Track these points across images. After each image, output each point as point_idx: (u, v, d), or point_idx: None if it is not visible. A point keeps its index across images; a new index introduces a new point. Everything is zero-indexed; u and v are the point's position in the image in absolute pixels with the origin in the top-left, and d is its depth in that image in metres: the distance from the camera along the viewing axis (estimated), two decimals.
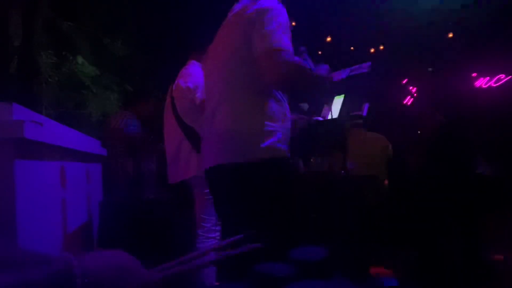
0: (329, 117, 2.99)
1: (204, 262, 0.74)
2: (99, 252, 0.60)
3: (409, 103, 7.96)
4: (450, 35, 6.26)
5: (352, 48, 6.70)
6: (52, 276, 0.49)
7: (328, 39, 6.63)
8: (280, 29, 1.37)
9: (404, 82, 8.07)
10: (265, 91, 1.45)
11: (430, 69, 5.98)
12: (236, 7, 1.54)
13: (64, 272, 0.50)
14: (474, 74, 6.31)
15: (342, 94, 3.02)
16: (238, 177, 1.43)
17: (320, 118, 2.99)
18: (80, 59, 4.17)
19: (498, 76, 6.15)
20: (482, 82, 6.33)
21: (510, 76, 6.01)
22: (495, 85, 6.16)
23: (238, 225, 1.44)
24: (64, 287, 0.49)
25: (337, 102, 3.00)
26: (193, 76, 2.34)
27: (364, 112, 3.20)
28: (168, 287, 0.66)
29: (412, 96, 7.92)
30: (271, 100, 1.46)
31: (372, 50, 6.82)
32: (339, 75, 3.11)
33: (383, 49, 6.80)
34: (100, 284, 0.52)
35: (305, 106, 3.01)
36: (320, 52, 6.74)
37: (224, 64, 1.50)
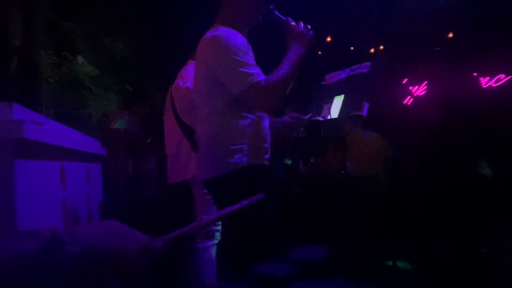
0: (329, 117, 2.99)
1: (202, 223, 0.75)
2: (91, 223, 0.60)
3: (409, 103, 7.95)
4: (450, 35, 6.26)
5: (352, 48, 6.70)
6: (41, 246, 0.49)
7: (328, 39, 6.63)
8: (241, 54, 1.45)
9: (404, 82, 8.06)
10: (232, 111, 1.54)
11: (437, 48, 5.96)
12: (206, 33, 1.61)
13: (52, 241, 0.50)
14: (474, 74, 6.31)
15: (342, 94, 3.02)
16: (213, 188, 1.61)
17: (320, 118, 2.99)
18: (80, 59, 4.17)
19: (498, 76, 6.15)
20: (482, 82, 6.33)
21: (510, 76, 6.01)
22: (495, 85, 6.16)
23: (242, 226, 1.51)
24: (54, 256, 0.49)
25: (337, 102, 3.00)
26: (192, 76, 2.33)
27: (364, 112, 3.20)
28: (169, 252, 0.65)
29: (412, 96, 7.91)
30: (239, 119, 1.55)
31: (372, 50, 6.82)
32: (339, 75, 3.11)
33: (383, 49, 6.80)
34: (92, 250, 0.52)
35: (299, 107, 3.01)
36: (320, 52, 6.74)
37: (202, 84, 1.62)
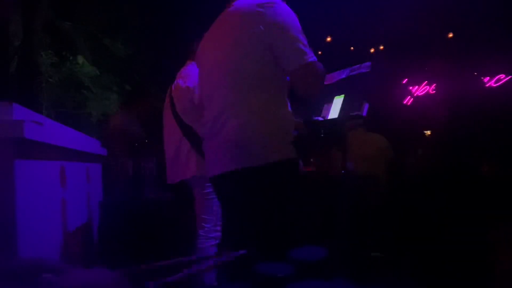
0: (329, 117, 2.98)
1: (191, 271, 0.73)
2: (81, 271, 0.59)
3: (409, 103, 7.96)
4: (450, 35, 6.26)
5: (352, 48, 6.70)
6: None
7: (328, 39, 6.63)
8: (300, 33, 1.36)
9: (404, 82, 8.07)
10: (277, 95, 1.42)
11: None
12: (236, 4, 1.47)
13: None
14: (474, 74, 6.31)
15: (342, 94, 3.02)
16: (250, 181, 1.40)
17: (320, 118, 2.99)
18: (80, 59, 4.17)
19: (498, 76, 6.15)
20: (483, 82, 6.32)
21: (510, 76, 6.01)
22: (495, 85, 6.16)
23: (248, 229, 1.42)
24: None
25: (337, 102, 2.99)
26: (192, 76, 2.33)
27: (364, 112, 3.20)
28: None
29: (412, 96, 7.92)
30: (282, 104, 1.43)
31: (372, 50, 6.82)
32: (339, 75, 3.11)
33: (383, 49, 6.80)
34: None
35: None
36: (320, 52, 6.74)
37: (229, 66, 1.43)
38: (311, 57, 1.35)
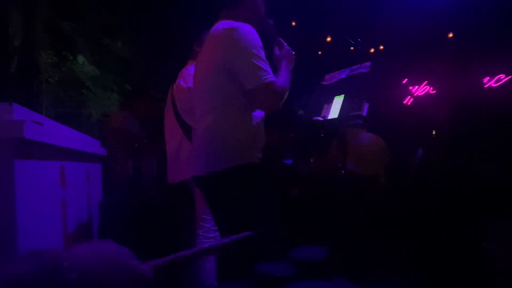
0: (329, 117, 2.98)
1: (195, 250, 0.76)
2: (88, 244, 0.60)
3: (409, 103, 7.96)
4: (450, 35, 6.26)
5: (352, 48, 6.70)
6: (39, 271, 0.50)
7: (328, 39, 6.63)
8: (257, 56, 1.46)
9: (404, 82, 8.07)
10: (246, 107, 1.55)
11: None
12: (215, 26, 1.61)
13: (51, 266, 0.51)
14: (474, 74, 6.31)
15: (342, 94, 3.02)
16: (213, 186, 1.58)
17: (320, 118, 2.99)
18: (80, 59, 4.17)
19: (498, 76, 6.14)
20: (483, 82, 6.32)
21: (510, 76, 6.01)
22: (495, 85, 6.16)
23: (223, 228, 1.61)
24: (52, 281, 0.50)
25: (337, 102, 2.99)
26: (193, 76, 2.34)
27: (364, 112, 3.20)
28: (161, 278, 0.66)
29: (412, 96, 7.92)
30: (250, 115, 1.57)
31: (372, 50, 6.82)
32: (339, 75, 3.11)
33: (383, 49, 6.80)
34: (88, 278, 0.53)
35: (301, 112, 3.01)
36: (320, 52, 6.75)
37: (207, 79, 1.60)
38: (267, 78, 1.46)
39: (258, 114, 1.61)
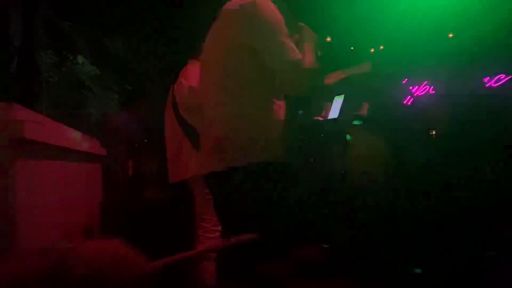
0: (329, 117, 2.98)
1: (200, 250, 0.76)
2: (95, 242, 0.61)
3: (409, 103, 7.95)
4: (450, 35, 6.26)
5: (352, 48, 6.69)
6: (47, 267, 0.50)
7: (328, 39, 6.62)
8: (284, 29, 1.33)
9: (404, 82, 8.06)
10: (267, 95, 1.41)
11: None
12: (226, 4, 1.45)
13: (59, 262, 0.51)
14: (474, 74, 6.31)
15: (342, 94, 3.02)
16: (234, 181, 1.40)
17: (320, 118, 2.99)
18: (80, 59, 4.17)
19: (498, 76, 6.14)
20: (484, 82, 6.32)
21: (510, 76, 6.01)
22: (495, 85, 6.16)
23: (237, 227, 1.42)
24: (59, 277, 0.51)
25: (337, 102, 2.99)
26: (195, 75, 2.33)
27: (364, 112, 3.20)
28: (166, 275, 0.67)
29: (412, 96, 7.91)
30: (271, 105, 1.43)
31: (372, 50, 6.82)
32: (339, 75, 3.11)
33: (383, 49, 6.80)
34: (95, 273, 0.54)
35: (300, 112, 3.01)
36: (320, 52, 6.73)
37: (221, 62, 1.42)
38: (297, 55, 1.32)
39: (281, 102, 1.49)
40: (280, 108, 1.49)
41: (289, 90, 1.46)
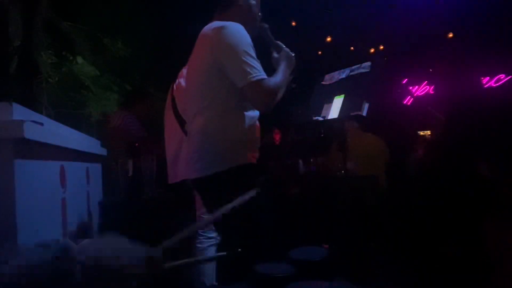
0: (329, 117, 2.98)
1: (199, 225, 0.77)
2: (95, 238, 0.62)
3: (409, 103, 7.96)
4: (450, 35, 6.26)
5: (352, 48, 6.69)
6: (51, 262, 0.51)
7: (328, 39, 6.62)
8: (246, 54, 1.46)
9: (404, 82, 8.07)
10: (237, 107, 1.55)
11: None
12: (206, 26, 1.61)
13: (63, 257, 0.52)
14: (473, 74, 6.32)
15: (342, 94, 3.02)
16: (205, 188, 1.60)
17: (320, 118, 2.99)
18: (80, 59, 4.17)
19: (498, 76, 6.14)
20: (483, 82, 6.33)
21: (510, 76, 6.01)
22: (495, 85, 6.16)
23: (220, 230, 1.63)
24: (63, 272, 0.51)
25: (337, 102, 2.99)
26: None
27: (364, 112, 3.21)
28: (168, 260, 0.67)
29: (412, 96, 7.92)
30: (243, 115, 1.56)
31: (372, 50, 6.82)
32: (339, 75, 3.11)
33: (383, 49, 6.80)
34: (99, 266, 0.54)
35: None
36: (320, 52, 6.74)
37: (197, 79, 1.60)
38: (256, 76, 1.45)
39: (252, 114, 1.61)
40: (251, 120, 1.60)
41: (253, 107, 1.58)
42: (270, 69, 1.61)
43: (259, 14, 1.75)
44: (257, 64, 1.48)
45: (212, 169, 1.51)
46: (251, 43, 1.51)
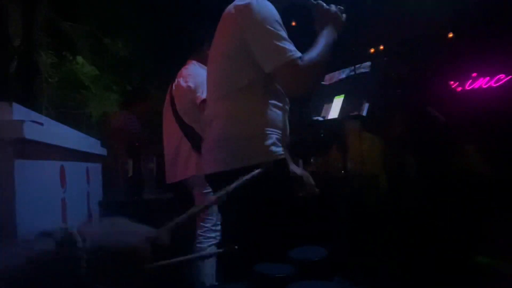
0: (329, 117, 2.98)
1: (201, 207, 0.77)
2: (96, 221, 0.63)
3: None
4: (450, 35, 6.25)
5: (352, 48, 6.68)
6: (54, 246, 0.51)
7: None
8: (278, 30, 1.32)
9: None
10: (264, 96, 1.41)
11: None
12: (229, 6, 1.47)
13: (66, 241, 0.52)
14: (474, 74, 6.31)
15: (342, 94, 3.02)
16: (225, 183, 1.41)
17: (320, 118, 2.99)
18: (80, 59, 4.17)
19: (498, 76, 6.14)
20: (482, 82, 6.32)
21: (510, 76, 6.01)
22: (495, 85, 6.16)
23: (242, 226, 1.44)
24: (67, 255, 0.51)
25: (337, 102, 2.99)
26: (193, 75, 2.34)
27: (364, 112, 3.20)
28: (171, 239, 0.68)
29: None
30: (269, 105, 1.42)
31: (372, 50, 6.82)
32: (339, 75, 3.11)
33: (383, 49, 6.79)
34: (102, 244, 0.54)
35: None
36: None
37: (220, 67, 1.46)
38: (291, 54, 1.30)
39: (279, 103, 1.47)
40: (280, 110, 1.48)
41: (287, 92, 1.44)
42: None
43: None
44: (287, 44, 1.31)
45: (238, 162, 1.34)
46: (280, 20, 1.35)
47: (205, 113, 1.55)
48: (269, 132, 1.40)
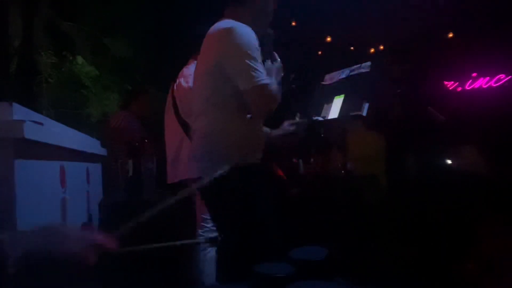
0: (329, 117, 2.98)
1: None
2: (33, 228, 0.61)
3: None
4: (450, 35, 6.25)
5: (352, 48, 6.69)
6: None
7: (328, 39, 6.62)
8: (251, 57, 1.45)
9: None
10: (241, 109, 1.54)
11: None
12: (213, 26, 1.60)
13: None
14: (474, 74, 6.31)
15: (342, 94, 3.01)
16: (208, 189, 1.51)
17: (320, 118, 2.99)
18: (80, 59, 4.17)
19: (498, 76, 6.14)
20: (482, 82, 6.32)
21: (510, 76, 6.00)
22: (495, 85, 6.15)
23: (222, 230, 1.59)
24: None
25: (337, 102, 2.99)
26: (193, 76, 2.33)
27: (364, 112, 3.20)
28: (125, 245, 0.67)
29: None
30: (246, 116, 1.56)
31: (372, 50, 6.81)
32: (339, 75, 3.11)
33: (383, 49, 6.79)
34: (33, 252, 0.54)
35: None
36: (320, 52, 6.73)
37: (202, 79, 1.60)
38: (260, 80, 1.44)
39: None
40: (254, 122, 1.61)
41: (253, 110, 1.57)
42: None
43: (272, 11, 1.68)
44: (261, 68, 1.47)
45: (213, 170, 1.47)
46: (257, 46, 1.50)
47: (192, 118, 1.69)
48: (244, 142, 1.55)
